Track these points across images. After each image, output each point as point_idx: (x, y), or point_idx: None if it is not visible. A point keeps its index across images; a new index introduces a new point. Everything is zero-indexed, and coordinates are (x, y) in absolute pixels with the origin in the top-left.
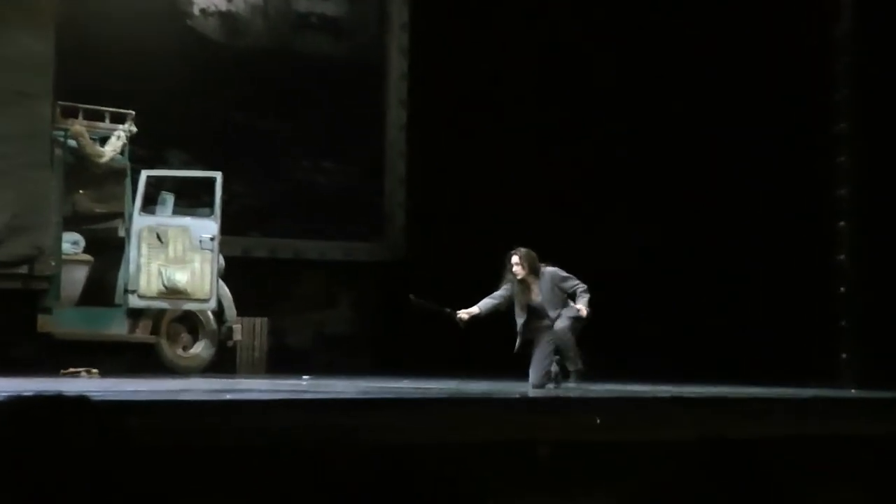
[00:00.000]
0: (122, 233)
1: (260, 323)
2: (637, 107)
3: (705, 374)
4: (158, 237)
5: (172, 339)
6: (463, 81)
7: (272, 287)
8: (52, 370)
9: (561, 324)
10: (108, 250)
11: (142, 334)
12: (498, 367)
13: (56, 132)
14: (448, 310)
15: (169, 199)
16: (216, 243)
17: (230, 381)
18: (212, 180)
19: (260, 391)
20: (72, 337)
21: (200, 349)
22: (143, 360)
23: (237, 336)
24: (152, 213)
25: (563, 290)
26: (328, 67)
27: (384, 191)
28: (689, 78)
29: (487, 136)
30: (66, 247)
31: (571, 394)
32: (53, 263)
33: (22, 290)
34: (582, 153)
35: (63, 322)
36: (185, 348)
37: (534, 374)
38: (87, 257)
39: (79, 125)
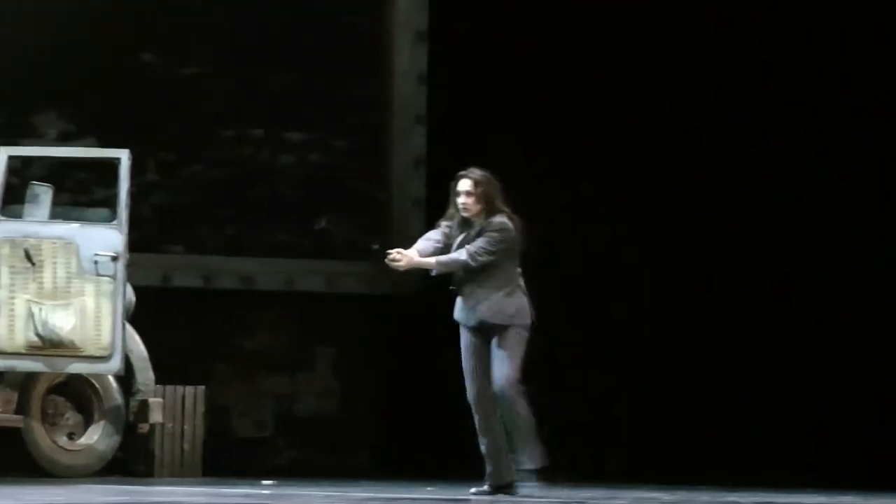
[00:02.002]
0: None
1: (193, 395)
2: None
3: None
4: (28, 256)
5: (50, 420)
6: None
7: (212, 336)
8: None
9: (503, 367)
10: None
11: (1, 413)
12: None
13: None
14: (375, 247)
15: (44, 194)
16: (121, 265)
17: (144, 489)
18: (114, 163)
19: None
20: None
21: (96, 438)
22: (2, 455)
23: (156, 417)
24: (17, 216)
25: None
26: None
27: (390, 190)
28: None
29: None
30: None
31: None
32: None
33: None
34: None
35: None
36: (70, 436)
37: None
38: None
39: None
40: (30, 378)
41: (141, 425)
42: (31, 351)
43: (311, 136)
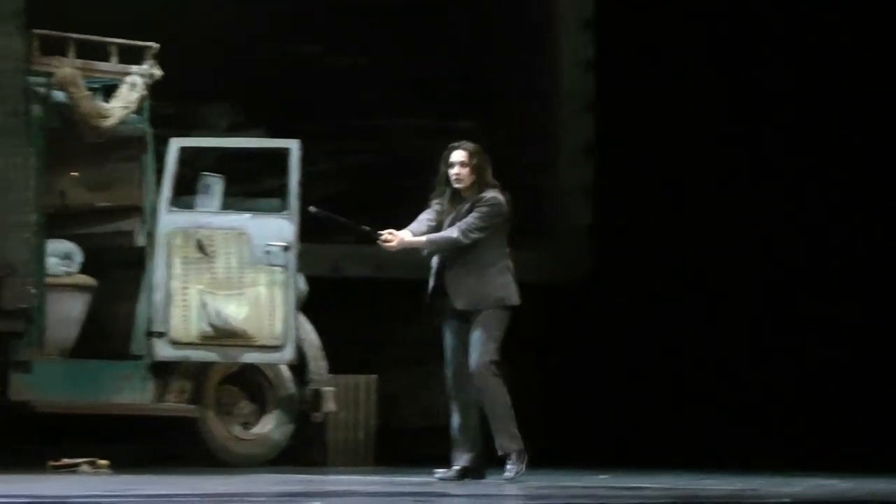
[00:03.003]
0: (140, 240)
1: (366, 384)
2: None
3: None
4: (200, 246)
5: (225, 410)
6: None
7: (383, 326)
8: (35, 462)
9: (478, 349)
10: (118, 268)
11: (175, 403)
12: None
13: (31, 79)
14: (366, 228)
15: (215, 185)
16: (293, 255)
17: (318, 478)
18: (284, 153)
19: (369, 496)
20: (63, 409)
21: (270, 427)
22: (178, 444)
23: (329, 406)
24: (189, 207)
25: None
26: None
27: (557, 182)
28: None
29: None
30: (53, 263)
31: None
32: (32, 291)
33: None
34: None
35: (49, 385)
36: (245, 426)
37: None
38: (87, 280)
39: (69, 67)
40: (204, 368)
41: (314, 414)
42: (205, 341)
43: (478, 125)
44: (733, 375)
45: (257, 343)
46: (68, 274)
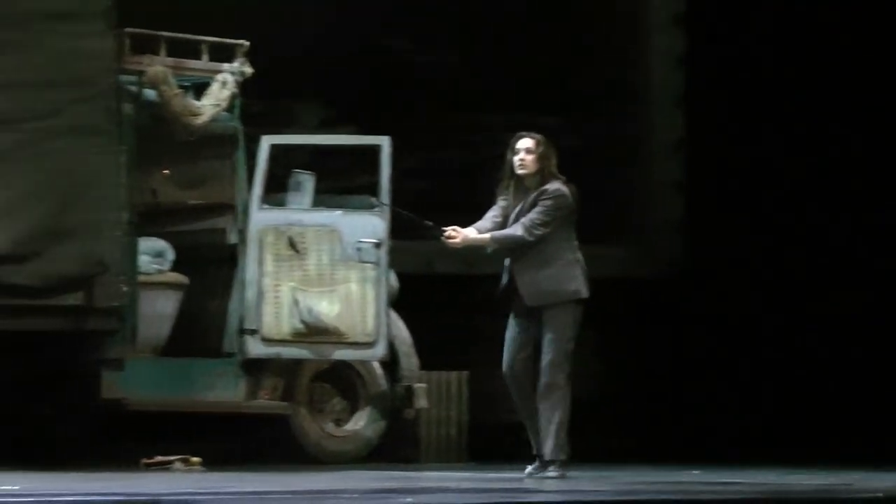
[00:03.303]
0: (232, 238)
1: (457, 380)
2: None
3: None
4: (291, 243)
5: (317, 407)
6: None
7: (475, 322)
8: (128, 459)
9: (549, 352)
10: (210, 266)
11: (268, 401)
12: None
13: (123, 77)
14: (430, 223)
15: (307, 182)
16: (384, 251)
17: (411, 475)
18: (375, 150)
19: (461, 492)
20: (156, 407)
21: (362, 424)
22: (269, 442)
23: (421, 402)
24: (281, 204)
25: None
26: None
27: (648, 178)
28: None
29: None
30: (144, 261)
31: None
32: (124, 288)
33: (73, 332)
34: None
35: (142, 383)
36: (337, 422)
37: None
38: (179, 278)
39: (160, 65)
40: (296, 365)
41: (406, 411)
42: (297, 338)
43: (566, 121)
44: (821, 370)
45: (349, 340)
46: (160, 272)
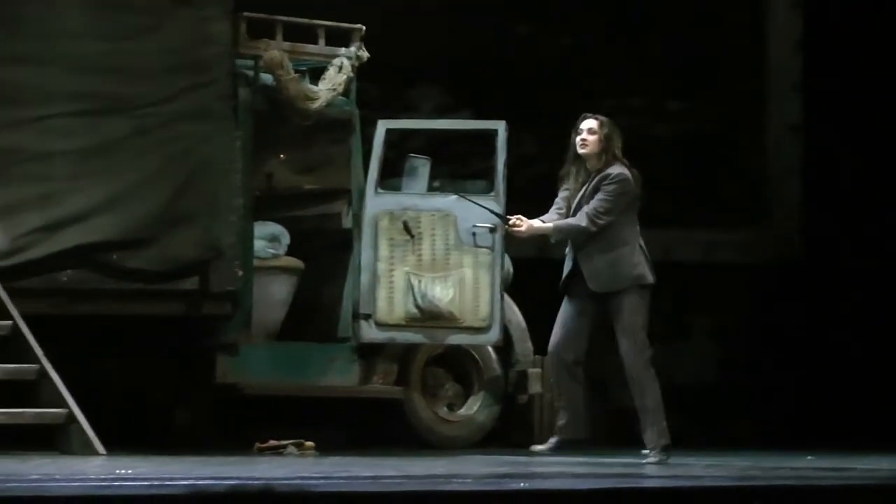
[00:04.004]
0: (347, 222)
1: None
2: None
3: None
4: (406, 228)
5: (430, 392)
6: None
7: None
8: (243, 444)
9: (627, 341)
10: (325, 251)
11: (382, 385)
12: None
13: (240, 62)
14: (496, 212)
15: (422, 167)
16: (499, 236)
17: (524, 460)
18: (491, 135)
19: (574, 477)
20: (270, 391)
21: (475, 408)
22: (383, 426)
23: (534, 387)
24: (396, 189)
25: None
26: None
27: (767, 162)
28: None
29: None
30: (259, 246)
31: None
32: (239, 273)
33: (188, 316)
34: None
35: (256, 368)
36: (450, 407)
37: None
38: (294, 262)
39: (276, 50)
40: (410, 350)
41: (520, 396)
42: (411, 323)
43: (688, 105)
44: None
45: (463, 325)
46: (275, 257)
